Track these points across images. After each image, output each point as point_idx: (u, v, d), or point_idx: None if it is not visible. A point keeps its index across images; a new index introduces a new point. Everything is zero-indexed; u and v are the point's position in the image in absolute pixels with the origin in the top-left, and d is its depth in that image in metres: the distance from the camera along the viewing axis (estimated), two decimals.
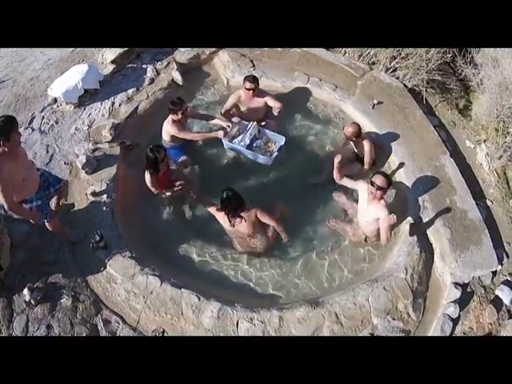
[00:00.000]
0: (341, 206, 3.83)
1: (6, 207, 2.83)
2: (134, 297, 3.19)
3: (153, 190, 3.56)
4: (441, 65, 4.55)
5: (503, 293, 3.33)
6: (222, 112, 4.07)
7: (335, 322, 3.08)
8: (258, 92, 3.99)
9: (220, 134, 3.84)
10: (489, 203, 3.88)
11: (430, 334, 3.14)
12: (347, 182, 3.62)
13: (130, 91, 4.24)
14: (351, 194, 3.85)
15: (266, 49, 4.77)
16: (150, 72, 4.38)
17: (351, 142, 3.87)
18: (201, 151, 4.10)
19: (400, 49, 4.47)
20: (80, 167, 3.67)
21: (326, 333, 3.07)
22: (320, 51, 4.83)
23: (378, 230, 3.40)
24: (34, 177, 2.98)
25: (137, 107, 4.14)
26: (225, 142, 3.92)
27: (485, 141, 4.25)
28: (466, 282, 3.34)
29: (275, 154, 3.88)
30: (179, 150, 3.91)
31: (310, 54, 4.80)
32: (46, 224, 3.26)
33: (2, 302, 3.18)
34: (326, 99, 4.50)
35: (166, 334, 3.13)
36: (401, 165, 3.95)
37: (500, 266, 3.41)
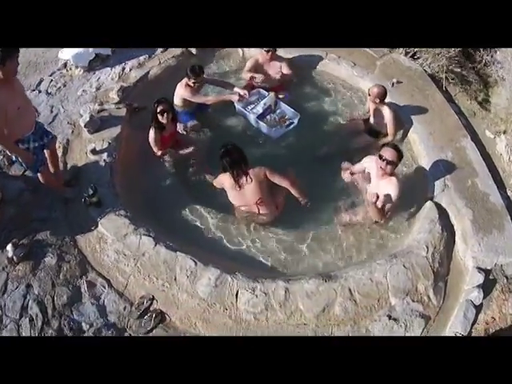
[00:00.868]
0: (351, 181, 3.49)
1: None
2: (124, 259, 2.87)
3: (155, 149, 3.32)
4: (460, 57, 4.37)
5: None
6: (244, 74, 3.96)
7: (348, 298, 2.67)
8: (275, 56, 3.89)
9: (234, 97, 3.64)
10: (509, 193, 3.49)
11: (451, 321, 2.71)
12: (357, 169, 3.34)
13: (142, 58, 4.11)
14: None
15: None
16: None
17: (370, 108, 3.63)
18: (212, 118, 3.88)
19: None
20: (82, 126, 3.48)
21: (337, 310, 2.65)
22: None
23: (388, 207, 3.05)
24: (30, 111, 2.81)
25: (147, 72, 3.99)
26: (237, 106, 3.71)
27: (504, 132, 3.97)
28: (489, 268, 2.95)
29: (283, 129, 3.66)
30: (190, 115, 3.72)
31: None
32: (39, 175, 3.04)
33: None
34: (343, 75, 4.27)
35: (155, 302, 2.78)
36: (420, 142, 3.64)
37: None
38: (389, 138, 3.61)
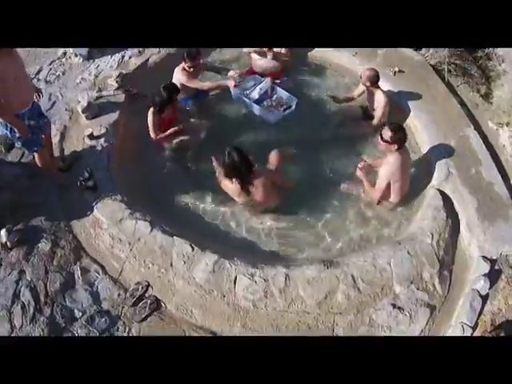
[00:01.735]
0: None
1: None
2: (120, 244, 2.79)
3: (152, 133, 3.25)
4: (462, 50, 4.29)
5: None
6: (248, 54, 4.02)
7: (351, 286, 2.56)
8: None
9: (230, 82, 3.56)
10: None
11: (457, 312, 2.60)
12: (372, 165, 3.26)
13: None
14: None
15: None
16: None
17: (365, 91, 3.56)
18: (209, 104, 3.82)
19: None
20: (80, 112, 3.43)
21: (339, 298, 2.54)
22: None
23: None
24: (29, 85, 2.79)
25: (147, 60, 3.94)
26: (233, 91, 3.64)
27: (508, 124, 3.88)
28: (494, 258, 2.84)
29: (280, 113, 3.60)
30: (187, 100, 3.67)
31: None
32: (36, 156, 2.98)
33: None
34: (345, 63, 4.19)
35: (150, 288, 2.68)
36: (423, 129, 3.56)
37: None
38: (374, 122, 3.51)
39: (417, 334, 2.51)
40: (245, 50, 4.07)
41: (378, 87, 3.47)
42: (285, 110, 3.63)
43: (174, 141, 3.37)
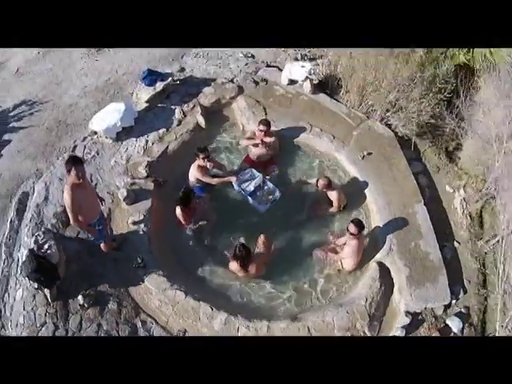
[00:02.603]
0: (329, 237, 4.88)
1: (71, 221, 3.78)
2: (165, 305, 4.36)
3: (183, 222, 4.62)
4: (433, 109, 4.89)
5: (453, 322, 4.15)
6: (242, 141, 5.34)
7: (307, 333, 4.45)
8: (268, 133, 5.13)
9: (233, 179, 4.96)
10: (456, 244, 4.59)
11: None
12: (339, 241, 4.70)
13: (161, 131, 5.14)
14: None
15: (278, 96, 5.65)
16: (177, 113, 5.25)
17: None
18: (219, 192, 5.16)
19: (395, 102, 5.10)
20: (121, 199, 4.61)
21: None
22: (324, 99, 5.69)
23: (354, 263, 4.50)
24: (96, 202, 4.01)
25: (167, 147, 5.07)
26: (235, 185, 5.03)
27: (465, 186, 4.77)
28: (418, 311, 4.17)
29: (268, 205, 5.01)
30: (201, 189, 4.98)
31: (315, 103, 5.68)
32: (102, 245, 4.27)
33: (59, 304, 4.24)
34: (324, 149, 5.44)
35: (187, 333, 4.39)
36: (377, 212, 4.85)
37: (454, 300, 4.27)
38: (333, 209, 4.95)
39: None
40: (243, 143, 5.25)
41: (331, 188, 4.84)
42: (272, 201, 5.03)
43: (195, 226, 4.78)
